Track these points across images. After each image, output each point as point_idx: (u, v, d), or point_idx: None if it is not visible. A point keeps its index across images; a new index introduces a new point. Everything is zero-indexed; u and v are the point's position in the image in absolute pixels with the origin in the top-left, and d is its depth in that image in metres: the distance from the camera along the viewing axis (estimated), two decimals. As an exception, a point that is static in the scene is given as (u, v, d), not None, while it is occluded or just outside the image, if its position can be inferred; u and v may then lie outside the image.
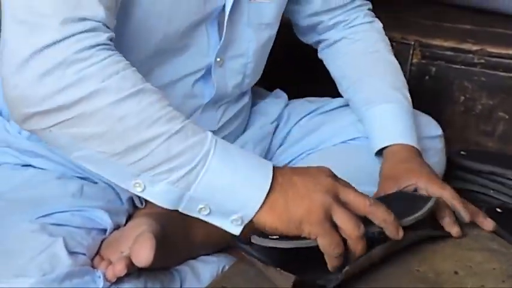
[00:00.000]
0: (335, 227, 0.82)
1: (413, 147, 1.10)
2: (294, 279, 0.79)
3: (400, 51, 1.44)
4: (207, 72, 1.07)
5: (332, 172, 0.87)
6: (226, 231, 0.83)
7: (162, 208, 0.83)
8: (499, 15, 1.71)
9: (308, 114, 1.26)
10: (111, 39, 0.83)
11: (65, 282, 0.82)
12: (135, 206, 1.02)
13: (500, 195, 1.30)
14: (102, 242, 0.94)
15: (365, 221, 0.84)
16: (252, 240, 0.84)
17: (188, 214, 0.83)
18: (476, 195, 1.32)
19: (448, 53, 1.51)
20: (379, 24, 1.29)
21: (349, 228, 0.82)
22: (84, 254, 0.89)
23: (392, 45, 1.28)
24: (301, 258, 0.84)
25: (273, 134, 1.24)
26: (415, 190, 1.01)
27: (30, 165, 1.03)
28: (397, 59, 1.25)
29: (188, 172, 0.80)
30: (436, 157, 1.20)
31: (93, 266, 0.89)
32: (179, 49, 1.03)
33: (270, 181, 0.82)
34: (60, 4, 0.80)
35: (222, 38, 1.05)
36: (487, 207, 1.09)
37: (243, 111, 1.19)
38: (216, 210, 0.82)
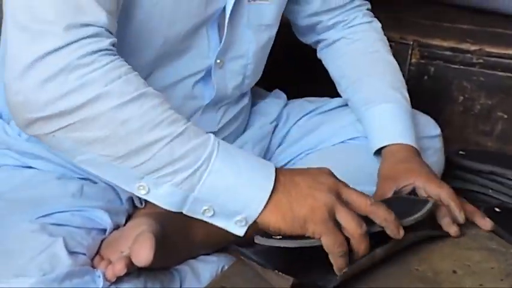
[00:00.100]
0: (337, 226, 0.82)
1: (412, 147, 1.10)
2: (293, 281, 0.79)
3: (399, 51, 1.44)
4: (207, 74, 1.07)
5: (332, 172, 0.87)
6: (225, 231, 0.83)
7: (162, 208, 0.83)
8: (498, 15, 1.71)
9: (307, 114, 1.27)
10: (113, 45, 0.83)
11: (65, 282, 0.82)
12: (135, 206, 1.02)
13: (499, 194, 1.31)
14: (102, 242, 0.94)
15: (366, 221, 0.84)
16: (256, 240, 0.84)
17: (192, 216, 0.83)
18: (475, 194, 1.33)
19: (447, 53, 1.52)
20: (378, 24, 1.29)
21: (353, 227, 0.82)
22: (84, 254, 0.89)
23: (391, 45, 1.28)
24: (302, 259, 0.85)
25: (272, 133, 1.24)
26: (413, 189, 1.02)
27: (30, 167, 1.03)
28: (396, 59, 1.25)
29: (192, 174, 0.80)
30: (435, 157, 1.20)
31: (93, 266, 0.89)
32: (180, 52, 1.03)
33: (273, 182, 0.82)
34: (63, 10, 0.80)
35: (223, 40, 1.06)
36: (486, 207, 1.09)
37: (243, 112, 1.20)
38: (220, 212, 0.82)
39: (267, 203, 0.82)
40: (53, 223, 0.91)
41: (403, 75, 1.24)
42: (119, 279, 0.86)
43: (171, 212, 0.83)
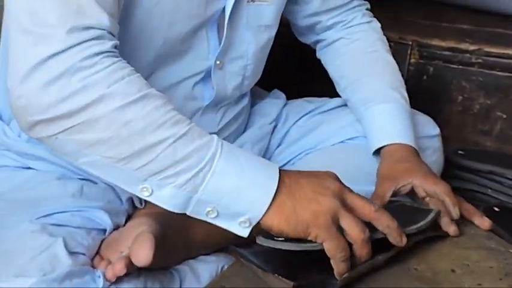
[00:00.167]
0: (340, 231, 0.82)
1: (411, 146, 1.10)
2: (292, 286, 0.80)
3: (398, 51, 1.44)
4: (207, 75, 1.07)
5: (338, 177, 0.87)
6: (225, 231, 0.83)
7: (162, 208, 0.83)
8: (497, 15, 1.72)
9: (306, 114, 1.27)
10: (115, 47, 0.83)
11: (65, 282, 0.82)
12: (135, 206, 1.02)
13: (498, 194, 1.31)
14: (101, 242, 0.94)
15: (369, 227, 0.84)
16: (258, 241, 0.84)
17: (196, 217, 0.83)
18: (474, 194, 1.33)
19: (446, 52, 1.52)
20: (377, 24, 1.30)
21: (356, 232, 0.82)
22: (84, 254, 0.89)
23: (390, 45, 1.28)
24: (302, 261, 0.84)
25: (272, 134, 1.24)
26: (412, 188, 1.02)
27: (29, 168, 1.03)
28: (395, 59, 1.26)
29: (195, 175, 0.80)
30: (434, 156, 1.20)
31: (93, 266, 0.89)
32: (180, 53, 1.03)
33: (277, 182, 0.82)
34: (65, 13, 0.81)
35: (222, 41, 1.06)
36: (485, 206, 1.10)
37: (243, 113, 1.20)
38: (223, 213, 0.82)
39: (270, 204, 0.82)
40: (53, 223, 0.91)
41: (402, 75, 1.24)
42: (119, 279, 0.86)
43: (171, 212, 0.83)
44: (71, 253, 0.86)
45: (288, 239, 0.82)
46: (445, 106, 1.53)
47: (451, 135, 1.45)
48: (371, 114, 1.16)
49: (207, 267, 0.99)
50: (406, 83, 1.22)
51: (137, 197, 0.93)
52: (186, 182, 0.80)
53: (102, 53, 0.81)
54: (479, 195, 1.33)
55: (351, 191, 0.86)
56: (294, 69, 1.58)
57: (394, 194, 1.03)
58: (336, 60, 1.27)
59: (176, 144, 0.80)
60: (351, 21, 1.27)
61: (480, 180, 1.34)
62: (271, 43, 1.18)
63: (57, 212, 0.93)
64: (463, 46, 1.51)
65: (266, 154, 1.23)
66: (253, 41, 1.12)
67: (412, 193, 1.04)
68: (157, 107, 0.81)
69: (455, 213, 0.97)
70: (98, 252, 0.93)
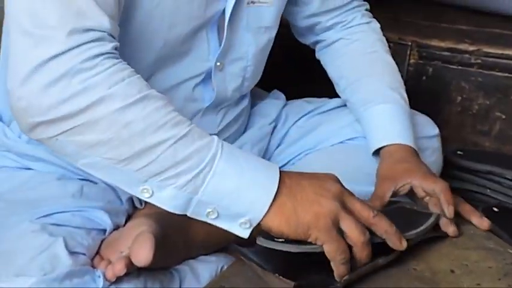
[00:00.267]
0: (340, 233, 0.83)
1: (410, 147, 1.11)
2: (293, 286, 0.80)
3: (397, 52, 1.44)
4: (207, 76, 1.07)
5: (338, 179, 0.87)
6: (225, 231, 0.83)
7: (161, 209, 0.83)
8: (496, 16, 1.72)
9: (306, 114, 1.27)
10: (115, 48, 0.84)
11: (65, 282, 0.83)
12: (135, 207, 1.02)
13: (497, 194, 1.31)
14: (101, 242, 0.94)
15: (368, 230, 0.84)
16: (258, 242, 0.84)
17: (197, 218, 0.83)
18: (473, 194, 1.33)
19: (445, 53, 1.52)
20: (376, 25, 1.30)
21: (356, 235, 0.82)
22: (84, 254, 0.89)
23: (389, 46, 1.29)
24: (302, 262, 0.85)
25: (271, 134, 1.25)
26: (411, 188, 1.02)
27: (30, 169, 1.03)
28: (395, 60, 1.26)
29: (195, 176, 0.80)
30: (433, 156, 1.20)
31: (93, 266, 0.89)
32: (180, 54, 1.03)
33: (277, 183, 0.82)
34: (65, 15, 0.81)
35: (222, 43, 1.06)
36: (484, 207, 1.10)
37: (243, 114, 1.20)
38: (224, 214, 0.82)
39: (271, 205, 0.82)
40: (53, 223, 0.91)
41: (402, 76, 1.25)
42: (119, 279, 0.86)
43: (171, 212, 0.83)
44: (71, 253, 0.86)
45: (288, 240, 0.82)
46: (444, 106, 1.53)
47: (450, 135, 1.46)
48: (370, 115, 1.16)
49: (207, 267, 0.98)
50: (405, 84, 1.22)
51: (137, 197, 0.93)
52: (187, 183, 0.81)
53: (102, 54, 0.81)
54: (478, 195, 1.33)
55: (351, 194, 0.86)
56: (294, 69, 1.58)
57: (394, 194, 1.04)
58: (335, 60, 1.27)
59: (176, 146, 0.80)
60: (350, 21, 1.28)
61: (479, 180, 1.34)
62: (271, 44, 1.18)
63: (57, 212, 0.93)
64: (462, 47, 1.51)
65: (266, 154, 1.23)
66: (253, 43, 1.12)
67: (411, 193, 1.04)
68: (157, 108, 0.81)
69: (448, 212, 0.97)
70: (98, 252, 0.93)
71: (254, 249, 0.87)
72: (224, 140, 0.86)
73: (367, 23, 1.29)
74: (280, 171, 0.84)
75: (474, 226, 1.00)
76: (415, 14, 1.73)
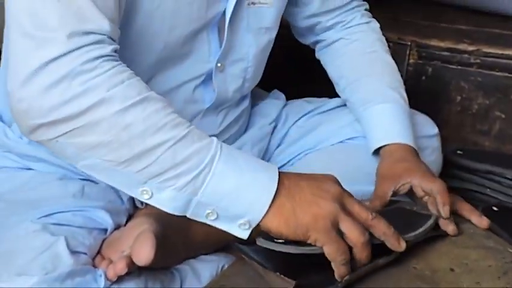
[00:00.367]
0: (339, 234, 0.83)
1: (410, 146, 1.11)
2: (294, 285, 0.80)
3: (397, 52, 1.44)
4: (208, 78, 1.07)
5: (337, 180, 0.87)
6: (224, 232, 0.84)
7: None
8: (495, 16, 1.72)
9: (306, 114, 1.27)
10: (115, 51, 0.84)
11: (67, 281, 0.83)
12: (136, 206, 1.02)
13: (497, 193, 1.31)
14: (103, 241, 0.95)
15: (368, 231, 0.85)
16: (258, 243, 0.84)
17: (196, 219, 0.83)
18: (472, 194, 1.33)
19: (445, 53, 1.52)
20: (376, 25, 1.30)
21: (355, 236, 0.83)
22: (85, 254, 0.90)
23: (389, 46, 1.29)
24: (303, 262, 0.85)
25: (271, 134, 1.25)
26: (410, 188, 1.03)
27: (31, 169, 1.03)
28: (394, 59, 1.26)
29: (195, 177, 0.81)
30: (433, 156, 1.21)
31: (94, 266, 0.90)
32: (181, 56, 1.03)
33: (276, 184, 0.82)
34: (66, 18, 0.81)
35: (223, 44, 1.06)
36: (484, 206, 1.10)
37: (243, 115, 1.20)
38: (223, 215, 0.82)
39: (270, 206, 0.82)
40: (55, 223, 0.91)
41: (401, 76, 1.25)
42: (120, 279, 0.87)
43: (171, 213, 0.84)
44: (73, 252, 0.87)
45: (288, 241, 0.83)
46: (444, 106, 1.54)
47: (449, 135, 1.46)
48: (370, 115, 1.16)
49: (208, 266, 0.99)
50: (405, 83, 1.22)
51: (137, 197, 0.93)
52: (186, 185, 0.81)
53: (102, 57, 0.81)
54: (478, 195, 1.34)
55: (350, 195, 0.86)
56: (294, 69, 1.58)
57: (394, 194, 1.04)
58: (335, 60, 1.27)
59: (176, 147, 0.81)
60: (350, 21, 1.28)
61: (479, 180, 1.34)
62: (272, 45, 1.18)
63: (59, 212, 0.93)
64: (462, 46, 1.51)
65: (266, 154, 1.23)
66: (253, 44, 1.12)
67: (411, 192, 1.04)
68: (157, 110, 0.81)
69: (443, 212, 0.97)
70: (99, 252, 0.93)
71: (254, 247, 0.87)
72: (224, 140, 0.86)
73: (367, 22, 1.29)
74: (279, 172, 0.84)
75: (474, 225, 1.00)
76: (415, 14, 1.74)
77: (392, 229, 0.86)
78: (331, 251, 0.82)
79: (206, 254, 1.01)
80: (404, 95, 1.19)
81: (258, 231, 0.83)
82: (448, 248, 0.94)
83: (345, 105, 1.25)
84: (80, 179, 1.01)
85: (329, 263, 0.83)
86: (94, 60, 0.80)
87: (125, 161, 0.81)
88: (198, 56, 1.05)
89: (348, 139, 1.21)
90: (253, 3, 1.09)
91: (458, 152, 1.38)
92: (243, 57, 1.11)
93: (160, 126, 0.81)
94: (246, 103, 1.20)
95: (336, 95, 1.27)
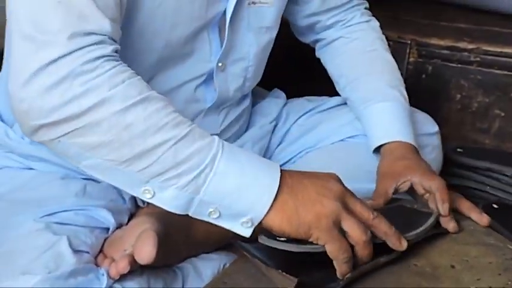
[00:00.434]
0: (341, 232, 0.83)
1: (410, 144, 1.11)
2: (296, 282, 0.80)
3: (396, 50, 1.45)
4: (209, 77, 1.08)
5: (340, 179, 0.87)
6: (225, 230, 0.84)
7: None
8: (495, 14, 1.72)
9: (306, 113, 1.27)
10: (116, 51, 0.84)
11: (70, 280, 0.83)
12: (137, 205, 1.03)
13: (497, 191, 1.32)
14: (105, 240, 0.95)
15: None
16: (260, 240, 0.84)
17: (198, 218, 0.83)
18: (472, 191, 1.34)
19: (445, 51, 1.53)
20: (376, 23, 1.30)
21: (357, 234, 0.83)
22: (87, 252, 0.90)
23: (389, 44, 1.29)
24: (305, 259, 0.85)
25: (272, 133, 1.25)
26: (411, 186, 1.03)
27: (33, 169, 1.04)
28: (394, 58, 1.26)
29: (196, 176, 0.81)
30: (433, 154, 1.21)
31: (96, 264, 0.90)
32: (182, 56, 1.03)
33: (278, 182, 0.82)
34: (67, 19, 0.81)
35: (224, 43, 1.06)
36: (484, 203, 1.10)
37: (244, 114, 1.20)
38: (225, 213, 0.82)
39: (272, 204, 0.82)
40: (57, 222, 0.91)
41: (401, 74, 1.25)
42: (122, 277, 0.87)
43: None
44: (75, 251, 0.87)
45: (290, 239, 0.83)
46: (444, 104, 1.54)
47: (449, 133, 1.46)
48: (370, 113, 1.16)
49: (209, 265, 0.99)
50: (405, 82, 1.23)
51: (139, 197, 0.93)
52: (188, 184, 0.81)
53: (102, 57, 0.81)
54: (478, 192, 1.34)
55: (352, 194, 0.86)
56: (294, 68, 1.58)
57: (394, 192, 1.04)
58: (335, 59, 1.27)
59: (177, 146, 0.81)
60: (350, 20, 1.28)
61: (479, 177, 1.34)
62: (272, 44, 1.18)
63: (61, 211, 0.93)
64: (462, 45, 1.52)
65: (267, 153, 1.23)
66: (254, 43, 1.12)
67: (411, 190, 1.04)
68: (158, 110, 0.81)
69: (442, 209, 0.98)
70: (101, 251, 0.94)
71: (256, 245, 0.87)
72: (225, 139, 0.86)
73: (367, 21, 1.29)
74: (282, 170, 0.84)
75: (474, 222, 1.01)
76: (415, 13, 1.74)
77: (394, 229, 0.86)
78: (334, 250, 0.82)
79: (208, 253, 1.02)
80: (405, 93, 1.19)
81: (260, 229, 0.83)
82: (448, 245, 0.94)
83: (345, 103, 1.26)
84: (82, 178, 1.01)
85: (331, 261, 0.83)
86: (95, 61, 0.80)
87: (126, 161, 0.81)
88: (199, 55, 1.05)
89: (348, 137, 1.21)
90: (254, 3, 1.09)
91: (459, 149, 1.38)
92: (243, 57, 1.12)
93: (161, 125, 0.81)
94: (247, 102, 1.20)
95: (336, 94, 1.28)
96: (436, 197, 0.99)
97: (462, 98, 1.53)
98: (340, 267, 0.83)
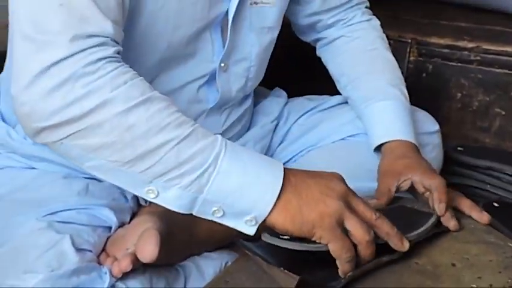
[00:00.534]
0: (344, 231, 0.83)
1: (411, 143, 1.11)
2: (298, 280, 0.80)
3: (397, 49, 1.45)
4: (212, 78, 1.08)
5: (343, 178, 0.88)
6: (228, 228, 0.84)
7: (165, 207, 0.84)
8: (495, 13, 1.73)
9: (307, 112, 1.27)
10: (118, 53, 0.84)
11: (73, 279, 0.83)
12: (139, 204, 1.03)
13: (497, 189, 1.32)
14: (107, 239, 0.95)
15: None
16: (263, 238, 0.84)
17: (202, 217, 0.83)
18: (473, 190, 1.34)
19: (445, 50, 1.53)
20: (376, 22, 1.30)
21: (360, 234, 0.83)
22: (90, 251, 0.90)
23: (389, 43, 1.29)
24: (307, 258, 0.85)
25: (273, 132, 1.25)
26: (411, 184, 1.03)
27: (35, 169, 1.04)
28: (395, 57, 1.26)
29: (200, 175, 0.81)
30: (434, 152, 1.21)
31: (99, 263, 0.90)
32: (184, 56, 1.03)
33: (281, 180, 0.83)
34: (68, 21, 0.81)
35: (226, 44, 1.06)
36: (485, 202, 1.10)
37: (246, 114, 1.20)
38: (229, 212, 0.82)
39: (276, 203, 0.82)
40: (60, 221, 0.92)
41: (402, 73, 1.25)
42: (125, 276, 0.87)
43: (175, 210, 0.84)
44: (78, 250, 0.87)
45: (293, 238, 0.83)
46: (444, 103, 1.54)
47: (450, 131, 1.46)
48: (371, 112, 1.16)
49: (212, 263, 0.99)
50: (405, 81, 1.23)
51: (142, 196, 0.94)
52: (191, 183, 0.81)
53: (104, 58, 0.81)
54: (479, 191, 1.34)
55: (355, 194, 0.87)
56: (295, 67, 1.58)
57: (395, 190, 1.04)
58: (336, 58, 1.27)
59: (180, 146, 0.81)
60: (351, 19, 1.28)
61: (479, 176, 1.34)
62: (274, 44, 1.18)
63: (64, 210, 0.94)
64: (462, 44, 1.52)
65: (268, 152, 1.23)
66: (256, 43, 1.12)
67: (412, 189, 1.05)
68: (160, 110, 0.81)
69: (438, 209, 0.98)
70: (103, 249, 0.94)
71: (259, 243, 0.87)
72: (228, 139, 0.86)
73: (368, 20, 1.29)
74: (285, 169, 0.84)
75: (474, 221, 1.01)
76: (415, 12, 1.74)
77: (396, 229, 0.87)
78: (336, 249, 0.82)
79: (210, 251, 1.02)
80: (405, 92, 1.20)
81: (264, 227, 0.84)
82: (449, 243, 0.94)
83: (346, 102, 1.26)
84: (84, 177, 1.01)
85: (333, 260, 0.83)
86: (96, 62, 0.80)
87: (128, 162, 0.81)
88: (201, 56, 1.05)
89: (349, 136, 1.21)
90: (256, 3, 1.09)
91: (459, 148, 1.39)
92: (246, 57, 1.12)
93: (163, 125, 0.81)
94: (249, 102, 1.20)
95: (337, 93, 1.28)
96: (434, 196, 0.99)
97: (462, 96, 1.53)
98: (343, 266, 0.83)
